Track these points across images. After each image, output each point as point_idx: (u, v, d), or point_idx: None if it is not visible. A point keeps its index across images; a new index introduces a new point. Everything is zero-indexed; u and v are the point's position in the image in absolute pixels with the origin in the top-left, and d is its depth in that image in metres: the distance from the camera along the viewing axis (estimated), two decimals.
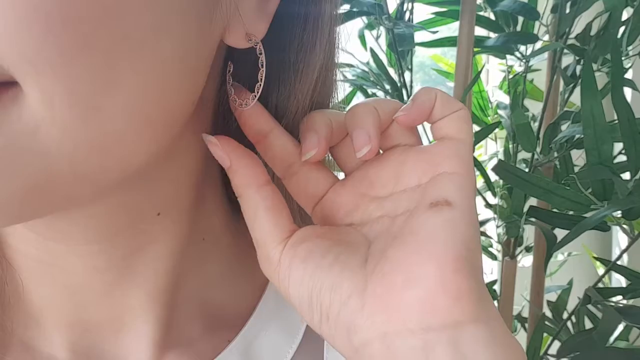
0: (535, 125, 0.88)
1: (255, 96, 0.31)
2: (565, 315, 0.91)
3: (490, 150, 1.11)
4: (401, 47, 0.75)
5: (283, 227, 0.29)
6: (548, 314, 0.91)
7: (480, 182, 1.03)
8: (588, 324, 0.81)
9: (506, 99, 0.98)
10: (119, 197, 0.29)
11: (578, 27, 0.84)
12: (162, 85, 0.25)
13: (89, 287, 0.32)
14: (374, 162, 0.31)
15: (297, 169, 0.31)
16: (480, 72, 0.83)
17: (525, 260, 0.99)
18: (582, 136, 0.72)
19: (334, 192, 0.31)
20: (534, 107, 1.02)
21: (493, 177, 0.96)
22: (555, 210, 0.76)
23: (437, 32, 0.85)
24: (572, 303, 0.92)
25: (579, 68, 0.80)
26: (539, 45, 0.91)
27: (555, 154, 0.81)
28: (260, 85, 0.31)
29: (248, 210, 0.30)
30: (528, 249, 0.98)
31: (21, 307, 0.32)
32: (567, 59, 0.87)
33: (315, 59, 0.32)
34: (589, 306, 0.71)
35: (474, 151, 0.31)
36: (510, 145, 0.93)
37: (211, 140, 0.30)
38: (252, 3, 0.28)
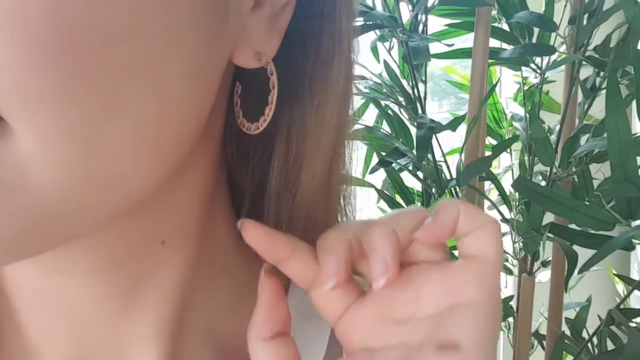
0: (552, 138, 0.86)
1: (265, 119, 0.29)
2: (584, 334, 0.89)
3: (504, 163, 1.10)
4: (416, 60, 0.74)
5: None
6: (566, 331, 0.89)
7: (494, 195, 1.01)
8: (609, 345, 0.79)
9: (521, 111, 0.96)
10: (120, 227, 0.28)
11: (596, 38, 0.83)
12: (168, 111, 0.23)
13: (90, 319, 0.30)
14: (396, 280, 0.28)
15: (318, 284, 0.29)
16: (496, 84, 0.81)
17: (542, 275, 0.97)
18: (603, 150, 0.70)
19: (354, 311, 0.29)
20: (550, 119, 1.00)
21: (506, 187, 0.94)
22: (575, 227, 0.75)
23: (452, 45, 0.84)
24: (591, 319, 0.90)
25: (598, 80, 0.78)
26: (554, 56, 0.90)
27: (574, 169, 0.79)
28: (271, 108, 0.29)
29: (251, 356, 0.27)
30: (545, 264, 0.96)
31: (18, 341, 0.31)
32: (584, 71, 0.86)
33: (332, 77, 0.30)
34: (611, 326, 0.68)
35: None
36: (526, 158, 0.92)
37: (262, 271, 0.29)
38: (261, 19, 0.27)
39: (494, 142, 1.00)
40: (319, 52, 0.30)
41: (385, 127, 0.95)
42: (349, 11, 0.30)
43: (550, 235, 0.78)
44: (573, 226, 0.76)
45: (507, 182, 1.06)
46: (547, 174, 0.83)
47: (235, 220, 0.35)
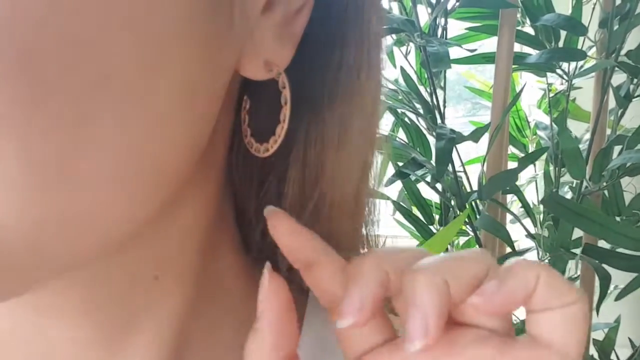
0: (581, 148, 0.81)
1: (276, 140, 0.26)
2: (613, 356, 0.84)
3: (527, 173, 1.04)
4: (436, 67, 0.69)
5: None
6: (594, 354, 0.84)
7: (517, 207, 0.97)
8: None
9: (545, 119, 0.92)
10: (104, 264, 0.25)
11: (628, 43, 0.78)
12: (157, 137, 0.20)
13: None
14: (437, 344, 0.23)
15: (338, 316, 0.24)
16: (521, 91, 0.77)
17: None
18: (637, 163, 0.65)
19: (381, 354, 0.24)
20: (575, 128, 0.95)
21: (529, 198, 0.90)
22: (606, 245, 0.70)
23: (475, 50, 0.79)
24: (620, 340, 0.85)
25: (631, 87, 0.73)
26: (581, 61, 0.85)
27: (604, 183, 0.74)
28: (283, 127, 0.25)
29: None
30: (571, 280, 0.91)
31: None
32: (615, 77, 0.81)
33: (360, 89, 0.26)
34: None
35: None
36: (551, 169, 0.87)
37: (264, 275, 0.23)
38: (272, 24, 0.23)
39: (516, 151, 0.95)
40: (342, 60, 0.26)
41: (402, 136, 0.91)
42: (378, 12, 0.26)
43: (580, 254, 0.73)
44: (602, 243, 0.72)
45: (529, 194, 1.01)
46: (575, 186, 0.78)
47: (242, 251, 0.31)
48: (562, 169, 0.84)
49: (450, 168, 0.80)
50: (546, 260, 0.80)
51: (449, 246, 0.83)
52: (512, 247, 0.77)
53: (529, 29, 0.86)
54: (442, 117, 0.83)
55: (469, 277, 0.22)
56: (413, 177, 0.86)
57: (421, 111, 0.87)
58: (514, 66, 0.82)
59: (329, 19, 0.26)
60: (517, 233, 0.91)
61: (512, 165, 0.88)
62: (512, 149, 0.95)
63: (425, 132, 0.87)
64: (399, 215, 0.97)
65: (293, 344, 0.23)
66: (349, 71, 0.26)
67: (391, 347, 0.24)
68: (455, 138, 0.69)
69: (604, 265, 0.71)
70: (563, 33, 0.84)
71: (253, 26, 0.22)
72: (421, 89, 0.89)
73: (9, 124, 0.16)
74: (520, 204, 0.89)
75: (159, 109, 0.19)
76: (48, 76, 0.16)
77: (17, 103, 0.16)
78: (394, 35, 0.87)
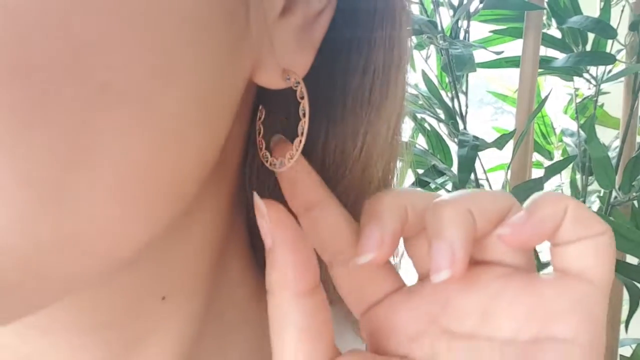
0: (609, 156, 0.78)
1: (292, 154, 0.24)
2: None
3: (552, 181, 1.01)
4: (461, 70, 0.67)
5: (317, 358, 0.21)
6: None
7: None
8: None
9: (572, 125, 0.88)
10: (115, 282, 0.23)
11: None
12: (165, 152, 0.18)
13: None
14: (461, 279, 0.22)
15: (348, 257, 0.23)
16: (547, 96, 0.74)
17: None
18: None
19: (395, 303, 0.23)
20: (603, 135, 0.92)
21: None
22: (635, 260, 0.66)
23: (501, 52, 0.76)
24: None
25: None
26: (609, 65, 0.82)
27: (634, 193, 0.71)
28: (301, 141, 0.23)
29: (273, 318, 0.22)
30: None
31: None
32: None
33: (385, 96, 0.25)
34: None
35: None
36: (578, 177, 0.83)
37: (260, 206, 0.22)
38: (291, 29, 0.21)
39: (541, 159, 0.92)
40: (368, 64, 0.24)
41: (421, 142, 0.88)
42: (405, 14, 0.24)
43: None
44: (631, 258, 0.69)
45: None
46: (604, 196, 0.75)
47: (252, 265, 0.30)
48: (590, 178, 0.81)
49: (472, 176, 0.77)
50: None
51: None
52: (537, 257, 0.74)
53: (555, 32, 0.83)
54: (464, 122, 0.80)
55: (493, 210, 0.21)
56: (433, 185, 0.83)
57: (442, 116, 0.84)
58: (539, 70, 0.79)
59: (353, 21, 0.24)
60: (542, 244, 0.88)
61: (536, 173, 0.85)
62: (536, 156, 0.92)
63: (446, 138, 0.84)
64: None
65: (313, 274, 0.21)
66: (375, 76, 0.24)
67: (405, 294, 0.23)
68: (478, 145, 0.66)
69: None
70: (591, 36, 0.81)
71: (270, 31, 0.21)
72: (442, 93, 0.86)
73: (4, 143, 0.15)
74: None
75: (167, 121, 0.17)
76: (44, 86, 0.15)
77: (9, 115, 0.15)
78: (414, 38, 0.84)
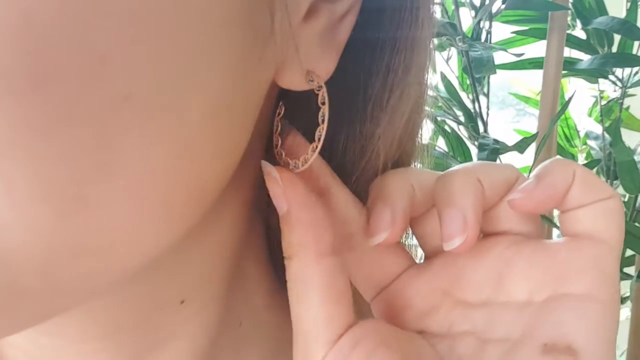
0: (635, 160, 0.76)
1: (307, 159, 0.23)
2: None
3: None
4: (480, 72, 0.66)
5: (338, 322, 0.21)
6: None
7: None
8: None
9: (596, 128, 0.86)
10: (129, 288, 0.23)
11: None
12: (186, 159, 0.18)
13: None
14: (469, 251, 0.23)
15: (358, 242, 0.24)
16: (571, 98, 0.72)
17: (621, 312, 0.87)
18: None
19: (407, 280, 0.24)
20: (628, 138, 0.90)
21: None
22: None
23: (522, 54, 0.75)
24: None
25: None
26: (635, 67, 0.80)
27: None
28: (317, 147, 0.23)
29: (295, 282, 0.22)
30: (623, 300, 0.86)
31: None
32: None
33: (406, 95, 0.24)
34: None
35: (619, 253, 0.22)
36: None
37: (271, 172, 0.23)
38: (315, 32, 0.21)
39: None
40: (391, 64, 0.24)
41: (441, 144, 0.87)
42: (428, 15, 0.24)
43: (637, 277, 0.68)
44: None
45: None
46: (629, 201, 0.73)
47: (269, 264, 0.30)
48: (615, 182, 0.79)
49: None
50: None
51: None
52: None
53: (579, 33, 0.81)
54: (485, 125, 0.79)
55: (501, 180, 0.22)
56: None
57: (462, 119, 0.83)
58: (563, 72, 0.78)
59: (377, 23, 0.23)
60: None
61: None
62: None
63: (466, 140, 0.83)
64: None
65: (331, 235, 0.22)
66: (396, 77, 0.24)
67: (417, 270, 0.24)
68: (499, 149, 0.65)
69: None
70: (617, 37, 0.79)
71: (294, 34, 0.20)
72: (462, 95, 0.85)
73: (19, 148, 0.15)
74: None
75: (189, 130, 0.17)
76: (62, 97, 0.15)
77: (27, 126, 0.14)
78: (434, 40, 0.83)
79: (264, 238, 0.29)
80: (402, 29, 0.23)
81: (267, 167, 0.23)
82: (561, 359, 0.19)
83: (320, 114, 0.23)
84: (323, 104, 0.22)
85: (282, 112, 0.24)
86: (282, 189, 0.22)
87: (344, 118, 0.25)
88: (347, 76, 0.24)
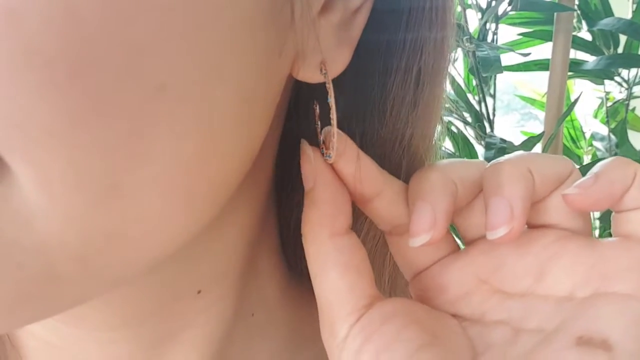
0: None
1: (326, 148, 0.24)
2: None
3: None
4: (486, 72, 0.66)
5: (361, 292, 0.21)
6: None
7: None
8: None
9: (602, 129, 0.87)
10: (148, 278, 0.24)
11: None
12: (212, 149, 0.18)
13: None
14: (512, 242, 0.23)
15: (404, 230, 0.23)
16: (577, 99, 0.73)
17: None
18: None
19: (446, 264, 0.23)
20: (635, 139, 0.90)
21: None
22: None
23: (529, 54, 0.76)
24: None
25: None
26: None
27: None
28: (326, 141, 0.23)
29: (314, 259, 0.22)
30: None
31: None
32: None
33: (421, 99, 0.25)
34: None
35: None
36: None
37: (306, 150, 0.23)
38: (330, 26, 0.21)
39: None
40: (408, 66, 0.24)
41: (447, 145, 0.88)
42: (444, 14, 0.24)
43: None
44: None
45: None
46: None
47: (282, 259, 0.30)
48: None
49: None
50: None
51: None
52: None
53: (585, 34, 0.82)
54: (492, 125, 0.79)
55: (553, 173, 0.21)
56: None
57: (469, 120, 0.83)
58: (569, 74, 0.78)
59: (391, 21, 0.24)
60: None
61: None
62: None
63: (473, 141, 0.84)
64: None
65: (347, 217, 0.22)
66: (409, 79, 0.24)
67: (457, 256, 0.23)
68: (505, 148, 0.66)
69: None
70: (623, 38, 0.79)
71: (311, 28, 0.21)
72: (469, 96, 0.85)
73: (57, 138, 0.15)
74: None
75: (216, 121, 0.18)
76: (101, 87, 0.15)
77: (66, 116, 0.15)
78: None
79: (277, 233, 0.30)
80: (425, 28, 0.23)
81: (305, 145, 0.23)
82: (595, 352, 0.19)
83: (332, 112, 0.23)
84: (331, 98, 0.23)
85: (318, 109, 0.25)
86: (313, 167, 0.23)
87: (360, 117, 0.25)
88: (369, 75, 0.24)
